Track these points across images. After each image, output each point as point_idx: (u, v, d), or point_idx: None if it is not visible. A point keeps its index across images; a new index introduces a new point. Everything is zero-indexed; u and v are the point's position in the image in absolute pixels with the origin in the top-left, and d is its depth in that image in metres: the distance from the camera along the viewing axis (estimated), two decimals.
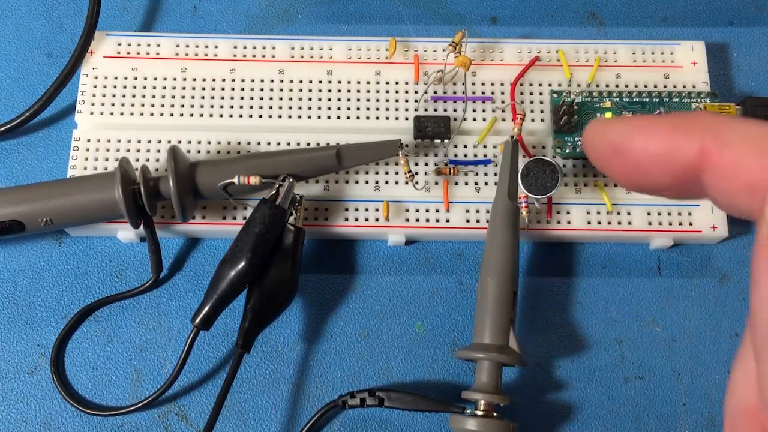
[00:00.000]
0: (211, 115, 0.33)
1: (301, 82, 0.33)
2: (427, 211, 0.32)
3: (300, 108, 0.33)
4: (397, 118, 0.33)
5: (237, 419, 0.31)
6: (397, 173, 0.32)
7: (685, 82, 0.34)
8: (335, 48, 0.34)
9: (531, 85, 0.34)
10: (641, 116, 0.17)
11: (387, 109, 0.33)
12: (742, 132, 0.14)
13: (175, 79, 0.33)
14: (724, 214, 0.32)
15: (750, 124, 0.14)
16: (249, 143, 0.33)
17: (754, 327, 0.13)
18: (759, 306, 0.13)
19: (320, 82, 0.33)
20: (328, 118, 0.33)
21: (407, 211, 0.32)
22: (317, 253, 0.33)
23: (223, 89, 0.33)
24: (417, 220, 0.32)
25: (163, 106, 0.33)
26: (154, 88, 0.33)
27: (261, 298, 0.29)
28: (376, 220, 0.32)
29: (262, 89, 0.33)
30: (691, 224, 0.32)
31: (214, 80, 0.33)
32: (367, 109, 0.33)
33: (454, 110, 0.33)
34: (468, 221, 0.32)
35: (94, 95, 0.33)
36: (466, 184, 0.32)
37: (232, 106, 0.33)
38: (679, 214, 0.32)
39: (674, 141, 0.15)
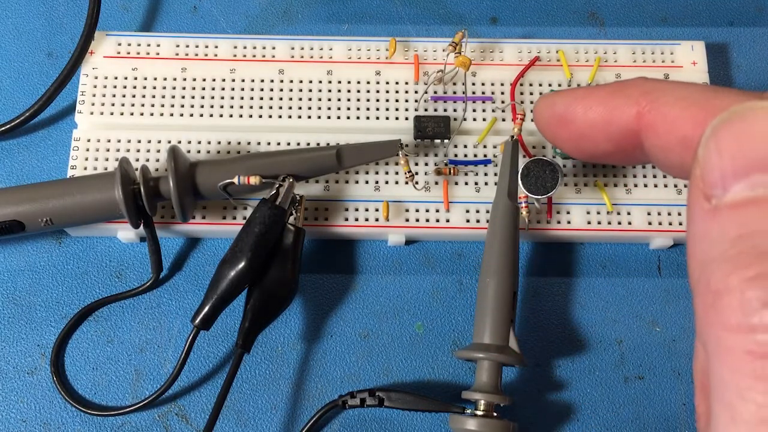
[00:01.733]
0: (211, 115, 0.33)
1: (301, 82, 0.33)
2: (427, 211, 0.32)
3: (300, 108, 0.33)
4: (397, 118, 0.33)
5: (237, 419, 0.31)
6: (397, 173, 0.32)
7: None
8: (335, 48, 0.34)
9: (531, 85, 0.34)
10: (585, 87, 0.17)
11: (387, 109, 0.33)
12: (676, 92, 0.15)
13: (175, 79, 0.33)
14: None
15: (683, 85, 0.15)
16: (249, 143, 0.33)
17: (689, 265, 0.13)
18: (692, 244, 0.13)
19: (320, 82, 0.33)
20: (328, 118, 0.33)
21: (407, 211, 0.32)
22: (317, 253, 0.33)
23: (223, 89, 0.33)
24: (417, 220, 0.32)
25: (163, 106, 0.33)
26: (154, 88, 0.33)
27: (261, 298, 0.29)
28: (376, 220, 0.32)
29: (262, 89, 0.33)
30: None
31: (214, 80, 0.33)
32: (367, 109, 0.33)
33: (454, 110, 0.33)
34: (468, 221, 0.32)
35: (94, 95, 0.33)
36: (466, 184, 0.32)
37: (232, 106, 0.33)
38: (679, 214, 0.32)
39: (612, 105, 0.16)
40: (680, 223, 0.32)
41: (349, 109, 0.33)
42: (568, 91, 0.18)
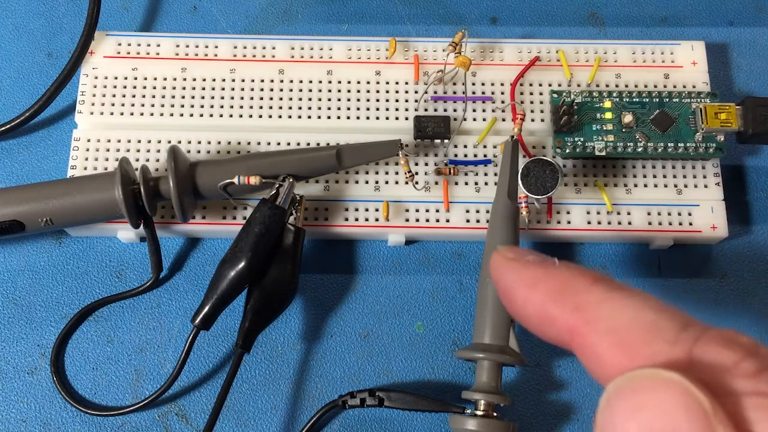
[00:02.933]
0: (211, 115, 0.33)
1: (301, 82, 0.33)
2: (427, 211, 0.32)
3: (300, 108, 0.33)
4: (397, 118, 0.33)
5: (237, 419, 0.31)
6: (397, 173, 0.32)
7: (685, 82, 0.34)
8: (335, 48, 0.34)
9: (531, 85, 0.34)
10: (531, 267, 0.16)
11: (387, 109, 0.33)
12: (610, 320, 0.14)
13: (175, 79, 0.33)
14: (724, 215, 0.32)
15: (621, 309, 0.14)
16: (249, 143, 0.33)
17: None
18: None
19: (320, 82, 0.33)
20: (328, 118, 0.33)
21: (407, 211, 0.32)
22: (317, 253, 0.33)
23: (223, 89, 0.33)
24: (417, 220, 0.32)
25: (163, 106, 0.33)
26: (154, 88, 0.33)
27: (261, 298, 0.29)
28: (376, 220, 0.32)
29: (262, 89, 0.33)
30: (691, 224, 0.32)
31: (214, 80, 0.33)
32: (367, 109, 0.33)
33: (454, 110, 0.33)
34: (468, 221, 0.32)
35: (94, 95, 0.33)
36: (466, 184, 0.32)
37: (232, 106, 0.33)
38: (679, 214, 0.32)
39: (549, 312, 0.15)
40: (680, 223, 0.32)
41: (349, 109, 0.33)
42: (518, 265, 0.17)
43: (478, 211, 0.32)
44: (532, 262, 0.17)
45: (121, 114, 0.33)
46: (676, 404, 0.12)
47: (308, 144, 0.33)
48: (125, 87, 0.33)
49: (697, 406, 0.12)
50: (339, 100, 0.33)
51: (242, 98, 0.33)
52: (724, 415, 0.12)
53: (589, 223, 0.32)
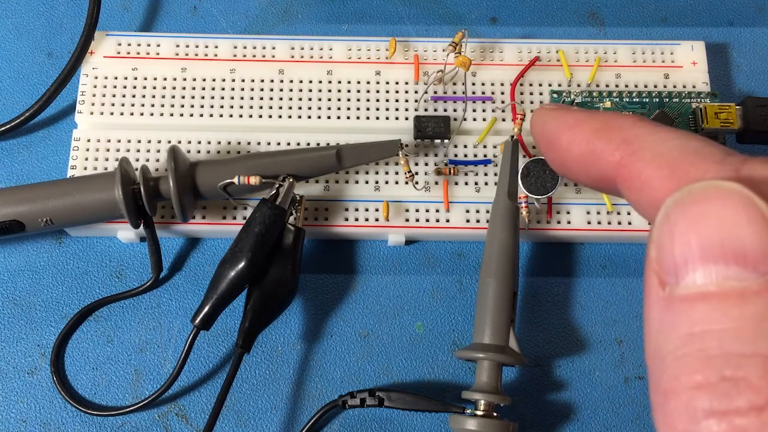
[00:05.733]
0: (211, 115, 0.33)
1: (301, 82, 0.33)
2: (427, 211, 0.32)
3: (300, 108, 0.33)
4: (397, 118, 0.33)
5: (237, 419, 0.31)
6: (397, 173, 0.32)
7: (685, 82, 0.34)
8: (335, 48, 0.34)
9: (531, 85, 0.34)
10: (574, 112, 0.17)
11: (387, 109, 0.33)
12: (656, 146, 0.14)
13: (175, 79, 0.33)
14: None
15: (668, 137, 0.14)
16: (249, 143, 0.33)
17: (645, 347, 0.13)
18: (647, 328, 0.13)
19: (320, 82, 0.33)
20: (328, 118, 0.33)
21: (407, 211, 0.32)
22: (317, 253, 0.33)
23: (223, 89, 0.33)
24: (417, 220, 0.32)
25: (163, 106, 0.33)
26: (154, 88, 0.33)
27: (261, 298, 0.29)
28: (376, 220, 0.32)
29: (262, 89, 0.33)
30: None
31: (214, 80, 0.33)
32: (367, 109, 0.33)
33: (454, 110, 0.33)
34: (468, 221, 0.32)
35: (94, 95, 0.33)
36: (466, 184, 0.32)
37: (232, 106, 0.33)
38: None
39: (595, 147, 0.16)
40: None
41: (349, 109, 0.33)
42: (561, 112, 0.17)
43: (478, 211, 0.32)
44: (573, 108, 0.17)
45: (121, 114, 0.33)
46: (738, 214, 0.12)
47: (308, 144, 0.33)
48: (125, 87, 0.33)
49: (759, 216, 0.12)
50: (339, 100, 0.33)
51: (242, 98, 0.33)
52: None
53: (589, 223, 0.32)
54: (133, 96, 0.33)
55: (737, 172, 0.13)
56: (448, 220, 0.32)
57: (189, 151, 0.32)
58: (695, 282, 0.12)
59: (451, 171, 0.32)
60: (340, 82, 0.33)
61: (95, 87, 0.33)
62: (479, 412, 0.27)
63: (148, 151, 0.32)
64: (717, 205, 0.12)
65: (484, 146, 0.33)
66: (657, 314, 0.13)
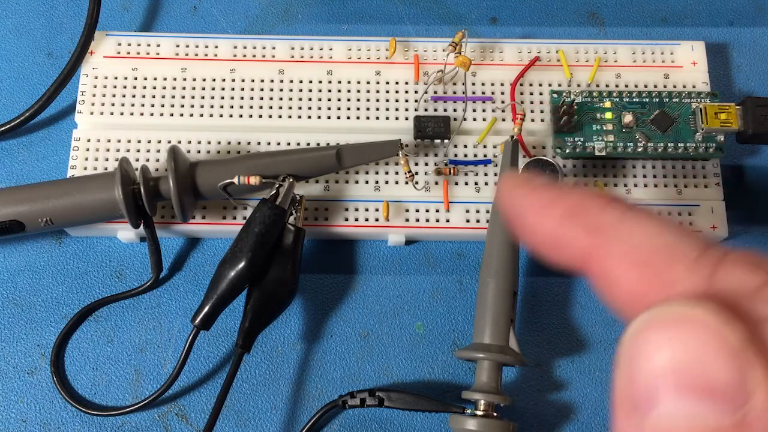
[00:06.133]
0: (211, 115, 0.33)
1: (301, 82, 0.33)
2: (427, 211, 0.32)
3: (300, 108, 0.33)
4: (397, 118, 0.33)
5: (237, 419, 0.31)
6: (397, 173, 0.32)
7: (685, 82, 0.34)
8: (335, 48, 0.34)
9: (531, 85, 0.34)
10: (543, 192, 0.16)
11: (387, 109, 0.33)
12: (626, 241, 0.14)
13: (175, 79, 0.33)
14: (724, 215, 0.32)
15: (637, 231, 0.14)
16: (249, 143, 0.33)
17: None
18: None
19: (320, 82, 0.33)
20: (328, 118, 0.33)
21: (407, 211, 0.32)
22: (317, 253, 0.33)
23: (223, 89, 0.33)
24: (417, 220, 0.32)
25: (163, 106, 0.33)
26: (154, 88, 0.33)
27: (261, 298, 0.29)
28: (376, 220, 0.32)
29: (262, 89, 0.33)
30: (691, 224, 0.32)
31: (214, 80, 0.33)
32: (367, 109, 0.33)
33: (454, 110, 0.33)
34: (468, 221, 0.32)
35: (94, 95, 0.33)
36: (466, 184, 0.32)
37: (232, 106, 0.33)
38: (679, 215, 0.32)
39: (563, 235, 0.15)
40: (680, 223, 0.32)
41: (349, 109, 0.33)
42: (528, 191, 0.16)
43: (478, 211, 0.32)
44: (542, 186, 0.16)
45: (121, 114, 0.33)
46: (706, 345, 0.11)
47: (308, 144, 0.33)
48: (125, 87, 0.33)
49: (727, 348, 0.11)
50: (339, 100, 0.33)
51: (242, 98, 0.33)
52: (753, 346, 0.11)
53: None
54: (133, 96, 0.33)
55: (710, 280, 0.12)
56: (448, 220, 0.32)
57: (189, 151, 0.32)
58: (664, 416, 0.11)
59: (451, 171, 0.32)
60: (340, 82, 0.33)
61: (95, 87, 0.33)
62: (479, 412, 0.27)
63: (148, 151, 0.32)
64: (685, 333, 0.11)
65: (484, 146, 0.33)
66: None
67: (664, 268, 0.13)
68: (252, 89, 0.33)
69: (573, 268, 0.15)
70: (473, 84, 0.34)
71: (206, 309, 0.28)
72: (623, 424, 0.12)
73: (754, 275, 0.12)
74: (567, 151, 0.32)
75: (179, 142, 0.32)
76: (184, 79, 0.33)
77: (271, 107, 0.33)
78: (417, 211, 0.32)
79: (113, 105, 0.33)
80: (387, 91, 0.33)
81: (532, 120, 0.33)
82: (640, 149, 0.32)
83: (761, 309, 0.12)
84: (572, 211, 0.15)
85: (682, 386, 0.11)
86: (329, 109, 0.33)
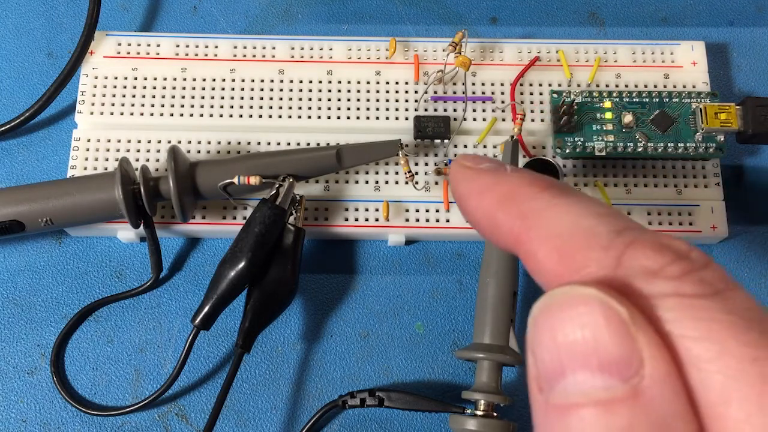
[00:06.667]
0: (211, 115, 0.33)
1: (301, 82, 0.33)
2: (427, 211, 0.32)
3: (300, 108, 0.33)
4: (397, 118, 0.33)
5: (237, 419, 0.31)
6: (397, 173, 0.32)
7: (685, 82, 0.34)
8: (335, 48, 0.34)
9: (531, 85, 0.34)
10: (484, 175, 0.16)
11: (387, 109, 0.33)
12: (550, 227, 0.14)
13: (175, 79, 0.33)
14: (724, 214, 0.32)
15: (561, 216, 0.14)
16: (249, 143, 0.33)
17: None
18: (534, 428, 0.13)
19: (320, 82, 0.33)
20: (328, 118, 0.33)
21: (407, 211, 0.32)
22: (317, 253, 0.33)
23: (223, 89, 0.33)
24: (417, 220, 0.32)
25: (163, 106, 0.33)
26: (154, 88, 0.33)
27: (261, 298, 0.29)
28: (376, 220, 0.32)
29: (262, 89, 0.33)
30: (691, 224, 0.32)
31: (214, 80, 0.33)
32: (367, 109, 0.33)
33: (454, 110, 0.33)
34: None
35: (94, 95, 0.33)
36: None
37: (232, 106, 0.33)
38: (679, 214, 0.32)
39: (497, 219, 0.16)
40: (680, 223, 0.32)
41: (349, 109, 0.33)
42: (471, 174, 0.17)
43: None
44: (485, 170, 0.17)
45: (121, 114, 0.33)
46: (597, 320, 0.12)
47: (308, 144, 0.33)
48: (125, 87, 0.33)
49: (618, 321, 0.12)
50: (339, 100, 0.33)
51: (242, 98, 0.33)
52: (642, 321, 0.12)
53: None
54: (133, 96, 0.33)
55: (617, 261, 0.13)
56: (448, 220, 0.32)
57: (189, 151, 0.32)
58: (565, 390, 0.12)
59: None
60: (340, 82, 0.33)
61: (95, 87, 0.33)
62: (479, 412, 0.27)
63: (148, 151, 0.32)
64: (578, 311, 0.12)
65: (484, 146, 0.33)
66: (538, 419, 0.13)
67: (578, 251, 0.14)
68: (252, 89, 0.33)
69: (509, 251, 0.16)
70: (473, 84, 0.34)
71: (206, 309, 0.28)
72: (535, 400, 0.13)
73: (657, 256, 0.13)
74: (567, 151, 0.32)
75: (179, 142, 0.32)
76: (184, 79, 0.33)
77: (271, 107, 0.33)
78: (417, 211, 0.32)
79: (113, 105, 0.33)
80: (387, 91, 0.33)
81: (532, 120, 0.33)
82: (640, 149, 0.32)
83: (656, 287, 0.12)
84: (506, 197, 0.16)
85: (578, 361, 0.12)
86: (329, 109, 0.33)
